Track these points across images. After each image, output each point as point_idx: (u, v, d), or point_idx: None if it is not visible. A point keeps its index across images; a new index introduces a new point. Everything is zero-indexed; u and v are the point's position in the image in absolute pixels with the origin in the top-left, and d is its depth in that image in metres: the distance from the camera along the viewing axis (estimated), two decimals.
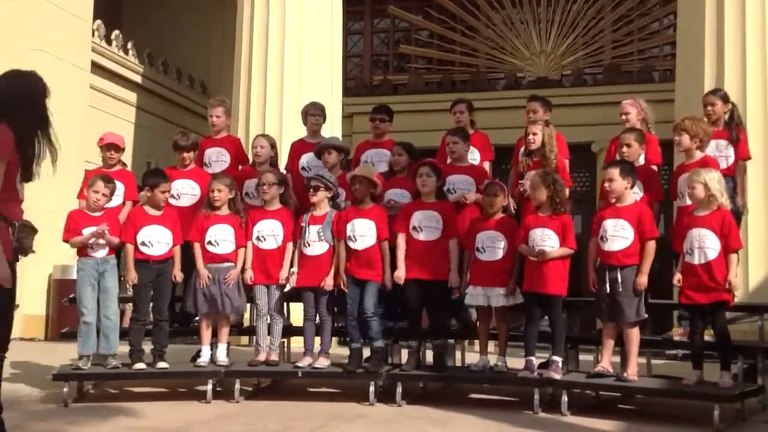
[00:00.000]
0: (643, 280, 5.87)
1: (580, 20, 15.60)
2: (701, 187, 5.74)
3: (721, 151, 6.56)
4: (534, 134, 6.52)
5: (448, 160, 7.16)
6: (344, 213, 6.53)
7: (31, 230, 4.13)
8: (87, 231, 6.34)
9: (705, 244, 5.70)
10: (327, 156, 6.95)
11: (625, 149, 6.37)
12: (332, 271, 6.43)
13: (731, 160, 6.58)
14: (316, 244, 6.48)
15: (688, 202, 6.13)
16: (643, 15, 15.65)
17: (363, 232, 6.39)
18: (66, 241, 6.44)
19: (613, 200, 6.04)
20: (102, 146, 6.96)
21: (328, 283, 6.40)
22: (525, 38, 15.84)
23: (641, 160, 6.54)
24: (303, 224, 6.54)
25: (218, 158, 7.37)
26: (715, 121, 6.65)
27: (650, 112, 6.86)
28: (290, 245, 6.58)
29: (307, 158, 7.31)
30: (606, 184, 6.01)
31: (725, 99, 6.79)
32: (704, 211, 5.78)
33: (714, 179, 5.77)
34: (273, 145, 7.33)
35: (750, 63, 9.65)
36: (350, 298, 6.37)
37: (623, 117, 6.80)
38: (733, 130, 6.67)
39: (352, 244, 6.39)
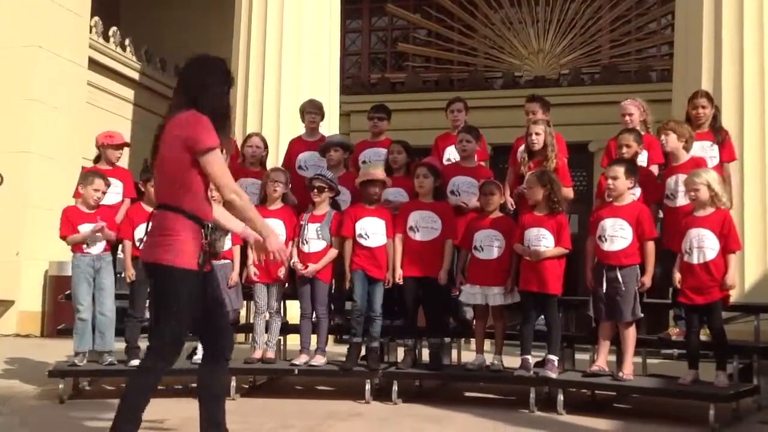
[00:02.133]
0: (649, 280, 5.88)
1: (577, 20, 15.60)
2: (705, 189, 5.74)
3: (706, 151, 6.61)
4: (537, 134, 6.51)
5: (446, 159, 7.17)
6: (351, 211, 6.51)
7: (223, 231, 4.04)
8: (83, 228, 6.34)
9: (704, 244, 5.70)
10: (332, 153, 6.96)
11: (624, 150, 6.38)
12: (321, 264, 6.43)
13: (716, 161, 6.64)
14: (314, 242, 6.49)
15: (680, 202, 6.15)
16: (641, 15, 15.65)
17: (375, 230, 6.40)
18: (63, 237, 6.43)
19: (611, 199, 6.05)
20: (111, 145, 6.94)
21: (310, 270, 6.41)
22: (523, 37, 15.84)
23: (639, 161, 6.55)
24: (302, 222, 6.55)
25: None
26: (701, 123, 6.69)
27: (650, 113, 6.90)
28: (291, 244, 6.57)
29: (304, 156, 7.31)
30: (609, 182, 5.99)
31: (711, 100, 6.86)
32: (704, 212, 5.79)
33: (715, 180, 5.80)
34: (266, 145, 7.32)
35: (747, 63, 9.65)
36: (358, 294, 6.36)
37: (626, 117, 6.80)
38: (718, 132, 6.72)
39: (364, 242, 6.39)
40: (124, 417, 3.85)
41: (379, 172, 6.55)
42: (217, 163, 3.81)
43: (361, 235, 6.41)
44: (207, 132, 3.81)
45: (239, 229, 4.21)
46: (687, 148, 6.31)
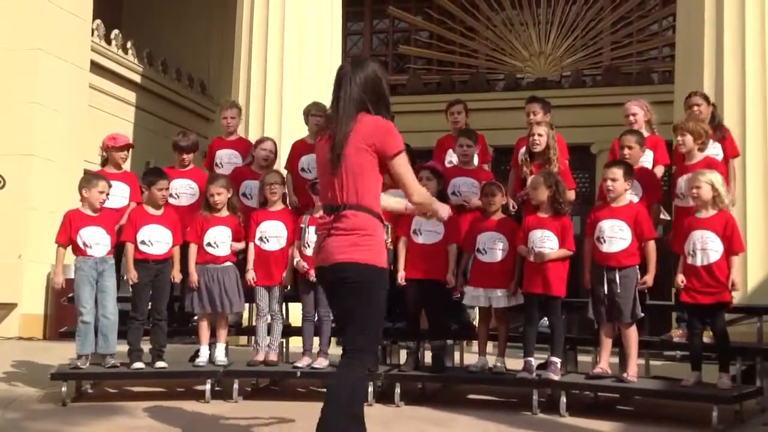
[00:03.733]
0: (651, 279, 5.87)
1: (579, 22, 15.60)
2: (708, 188, 5.73)
3: (709, 149, 6.60)
4: (539, 135, 6.50)
5: (448, 162, 7.16)
6: None
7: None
8: (85, 231, 6.35)
9: (707, 246, 5.70)
10: None
11: (626, 151, 6.36)
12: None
13: (719, 158, 6.65)
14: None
15: (691, 202, 6.14)
16: (643, 17, 15.65)
17: None
18: (58, 243, 6.44)
19: (610, 200, 6.04)
20: (115, 147, 6.95)
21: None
22: (524, 39, 15.84)
23: (641, 162, 6.55)
24: (302, 225, 6.54)
25: (230, 160, 7.36)
26: (702, 120, 6.71)
27: (654, 113, 6.90)
28: (292, 246, 6.56)
29: (307, 159, 7.29)
30: (608, 183, 5.98)
31: (707, 99, 6.91)
32: (707, 213, 5.78)
33: (719, 181, 5.79)
34: (276, 149, 7.32)
35: (749, 65, 9.65)
36: None
37: (631, 118, 6.80)
38: (717, 129, 6.75)
39: None
40: (358, 420, 3.96)
41: (396, 203, 6.44)
42: (406, 165, 3.93)
43: None
44: (397, 137, 3.94)
45: (402, 206, 4.37)
46: (702, 149, 6.30)
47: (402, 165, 3.90)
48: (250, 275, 6.52)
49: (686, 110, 6.81)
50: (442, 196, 6.53)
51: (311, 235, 6.47)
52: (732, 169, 6.88)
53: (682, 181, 6.28)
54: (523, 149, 6.76)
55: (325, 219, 3.94)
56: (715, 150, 6.65)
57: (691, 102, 6.82)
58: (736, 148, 6.99)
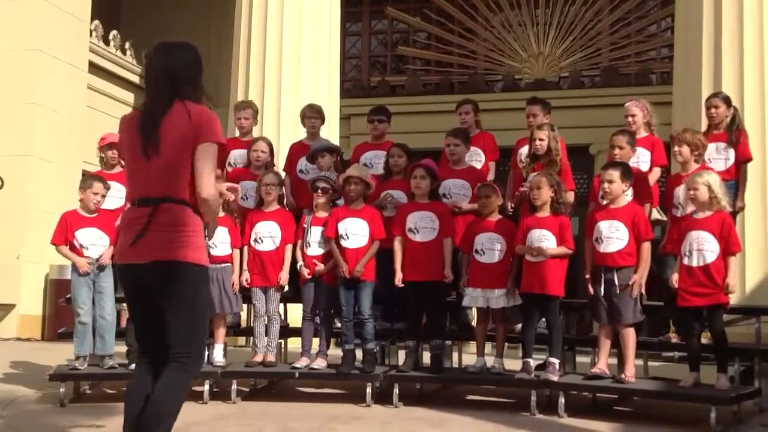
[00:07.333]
0: (638, 279, 5.85)
1: (577, 22, 15.62)
2: (705, 189, 5.72)
3: (720, 153, 6.61)
4: (541, 140, 6.49)
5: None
6: (335, 212, 6.51)
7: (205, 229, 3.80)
8: (81, 232, 6.34)
9: (704, 247, 5.68)
10: (321, 160, 6.93)
11: (617, 151, 6.35)
12: (330, 264, 6.43)
13: (730, 162, 6.64)
14: (319, 244, 6.48)
15: (688, 211, 6.10)
16: (641, 17, 15.68)
17: (356, 231, 6.38)
18: (54, 244, 6.43)
19: (605, 201, 6.04)
20: (103, 146, 6.96)
21: (319, 269, 6.42)
22: (523, 40, 15.86)
23: (636, 163, 6.54)
24: (305, 225, 6.54)
25: (243, 160, 7.34)
26: (717, 124, 6.69)
27: (654, 114, 6.88)
28: (289, 247, 6.56)
29: (305, 160, 7.31)
30: (605, 185, 5.98)
31: (728, 102, 6.85)
32: (703, 214, 5.78)
33: (716, 182, 5.78)
34: (271, 149, 7.31)
35: (747, 65, 9.67)
36: (344, 299, 6.36)
37: (629, 119, 6.79)
38: (733, 132, 6.72)
39: (344, 243, 6.38)
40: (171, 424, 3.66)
41: (362, 172, 6.52)
42: (211, 158, 3.58)
43: (341, 236, 6.39)
44: (217, 127, 3.64)
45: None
46: (698, 159, 6.29)
47: (206, 155, 3.55)
48: (245, 276, 6.52)
49: (705, 110, 6.79)
50: (435, 196, 6.55)
51: (314, 236, 6.47)
52: (743, 173, 6.83)
53: (679, 191, 6.24)
54: (523, 150, 6.75)
55: (139, 212, 3.60)
56: (726, 154, 6.62)
57: (708, 104, 6.80)
58: (748, 151, 6.94)
